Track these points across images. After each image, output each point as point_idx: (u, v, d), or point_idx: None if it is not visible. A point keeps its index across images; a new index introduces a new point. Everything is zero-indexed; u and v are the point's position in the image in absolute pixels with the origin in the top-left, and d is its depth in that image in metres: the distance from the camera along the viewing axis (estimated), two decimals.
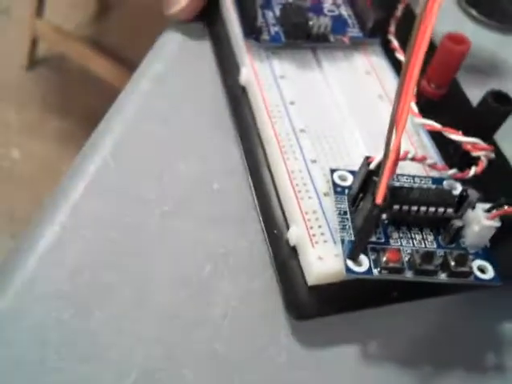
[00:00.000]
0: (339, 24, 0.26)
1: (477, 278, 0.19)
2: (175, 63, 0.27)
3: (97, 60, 0.89)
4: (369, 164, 0.19)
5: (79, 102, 0.94)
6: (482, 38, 0.31)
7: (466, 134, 0.23)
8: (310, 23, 0.25)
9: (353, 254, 0.17)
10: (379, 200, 0.16)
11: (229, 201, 0.22)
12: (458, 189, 0.21)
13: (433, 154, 0.23)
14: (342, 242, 0.19)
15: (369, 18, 0.26)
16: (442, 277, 0.19)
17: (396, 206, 0.19)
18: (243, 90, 0.25)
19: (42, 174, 0.85)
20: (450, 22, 0.29)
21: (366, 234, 0.16)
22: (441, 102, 0.26)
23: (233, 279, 0.21)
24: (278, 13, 0.26)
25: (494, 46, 0.31)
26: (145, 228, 0.22)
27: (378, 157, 0.19)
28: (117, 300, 0.20)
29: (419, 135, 0.23)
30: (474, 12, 0.32)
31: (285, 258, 0.20)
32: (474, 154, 0.23)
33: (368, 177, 0.19)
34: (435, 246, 0.19)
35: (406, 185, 0.21)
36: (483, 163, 0.23)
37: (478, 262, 0.19)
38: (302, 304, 0.19)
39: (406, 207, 0.19)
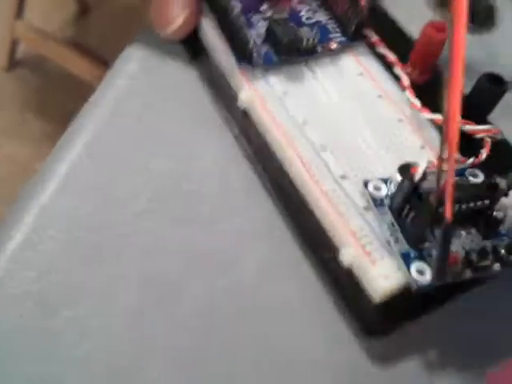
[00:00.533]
0: (322, 32, 0.26)
1: None
2: (150, 62, 0.27)
3: (76, 61, 0.88)
4: (412, 176, 0.20)
5: (59, 103, 0.92)
6: None
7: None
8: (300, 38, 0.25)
9: (439, 277, 0.17)
10: (449, 216, 0.17)
11: (202, 202, 0.23)
12: (480, 177, 0.23)
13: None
14: (402, 255, 0.20)
15: (351, 23, 0.26)
16: (496, 268, 0.20)
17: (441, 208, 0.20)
18: (244, 113, 0.25)
19: (21, 174, 0.84)
20: (420, 23, 0.31)
21: (445, 251, 0.17)
22: (425, 86, 0.27)
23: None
24: (260, 30, 0.26)
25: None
26: (116, 227, 0.22)
27: (420, 167, 0.20)
28: (85, 300, 0.20)
29: (425, 129, 0.24)
30: (443, 12, 0.33)
31: (342, 280, 0.21)
32: (478, 136, 0.24)
33: (413, 189, 0.20)
34: (480, 239, 0.21)
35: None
36: (489, 145, 0.24)
37: None
38: (375, 321, 0.20)
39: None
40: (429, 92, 0.26)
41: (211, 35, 0.26)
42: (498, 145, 0.25)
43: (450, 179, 0.17)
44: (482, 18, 0.33)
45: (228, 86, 0.26)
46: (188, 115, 0.26)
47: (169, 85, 0.26)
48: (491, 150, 0.24)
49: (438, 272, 0.17)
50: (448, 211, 0.17)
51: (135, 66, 0.27)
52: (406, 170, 0.21)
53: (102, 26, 1.04)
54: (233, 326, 0.21)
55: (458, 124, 0.17)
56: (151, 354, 0.19)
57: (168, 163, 0.24)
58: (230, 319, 0.21)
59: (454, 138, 0.17)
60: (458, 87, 0.17)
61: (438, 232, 0.20)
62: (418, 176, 0.20)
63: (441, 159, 0.17)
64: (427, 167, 0.20)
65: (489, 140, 0.24)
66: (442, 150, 0.17)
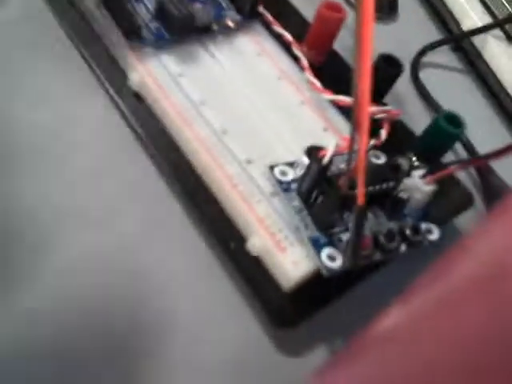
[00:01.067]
0: (216, 9, 0.25)
1: (429, 241, 0.20)
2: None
3: None
4: (320, 159, 0.19)
5: None
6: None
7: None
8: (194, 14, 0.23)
9: (352, 262, 0.17)
10: (362, 200, 0.17)
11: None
12: (382, 158, 0.22)
13: (346, 125, 0.24)
14: (312, 241, 0.19)
15: (247, 1, 0.25)
16: (403, 249, 0.20)
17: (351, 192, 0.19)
18: (135, 95, 0.23)
19: None
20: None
21: (359, 235, 0.17)
22: (321, 68, 0.26)
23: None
24: (150, 6, 0.24)
25: None
26: None
27: (329, 151, 0.19)
28: None
29: (326, 110, 0.24)
30: None
31: (250, 270, 0.20)
32: (376, 117, 0.24)
33: (321, 173, 0.19)
34: (386, 220, 0.21)
35: (340, 166, 0.21)
36: (388, 126, 0.24)
37: (424, 226, 0.21)
38: (285, 311, 0.19)
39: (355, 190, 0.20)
40: (326, 73, 0.25)
41: (93, 11, 0.24)
42: (395, 125, 0.25)
43: (361, 163, 0.17)
44: (386, 7, 0.34)
45: (114, 62, 0.24)
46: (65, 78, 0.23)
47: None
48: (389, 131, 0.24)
49: (352, 257, 0.17)
50: (361, 195, 0.17)
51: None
52: (312, 153, 0.20)
53: None
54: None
55: (369, 106, 0.16)
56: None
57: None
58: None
59: (366, 120, 0.16)
60: (367, 69, 0.16)
61: (348, 216, 0.20)
62: (326, 159, 0.19)
63: (352, 142, 0.17)
64: (335, 150, 0.19)
65: (387, 121, 0.24)
66: (352, 133, 0.17)
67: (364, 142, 0.17)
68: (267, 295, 0.20)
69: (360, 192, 0.16)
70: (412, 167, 0.21)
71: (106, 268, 0.20)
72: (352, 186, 0.19)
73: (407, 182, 0.21)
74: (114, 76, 0.23)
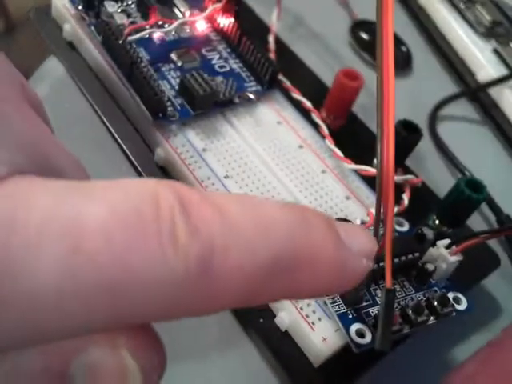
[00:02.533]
0: (237, 81, 0.26)
1: (457, 311, 0.20)
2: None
3: None
4: None
5: None
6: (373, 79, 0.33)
7: None
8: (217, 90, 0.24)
9: (384, 345, 0.17)
10: (389, 283, 0.17)
11: None
12: (405, 225, 0.23)
13: (369, 194, 0.24)
14: (340, 317, 0.19)
15: (265, 72, 0.26)
16: (432, 322, 0.20)
17: (382, 264, 0.20)
18: (162, 169, 0.24)
19: None
20: (343, 64, 0.31)
21: (389, 318, 0.17)
22: (341, 131, 0.27)
23: None
24: (172, 81, 0.25)
25: None
26: None
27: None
28: None
29: (348, 178, 0.24)
30: (365, 55, 0.34)
31: (279, 343, 0.20)
32: (398, 181, 0.24)
33: None
34: (413, 291, 0.21)
35: None
36: (409, 190, 0.24)
37: (451, 295, 0.21)
38: None
39: (382, 263, 0.20)
40: (346, 137, 0.26)
41: (118, 88, 0.25)
42: (416, 186, 0.25)
43: (388, 242, 0.17)
44: (400, 63, 0.34)
45: (141, 140, 0.24)
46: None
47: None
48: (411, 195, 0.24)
49: (383, 341, 0.17)
50: (388, 278, 0.17)
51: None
52: None
53: (28, 44, 0.98)
54: None
55: (394, 179, 0.17)
56: None
57: None
58: None
59: (391, 197, 0.17)
60: (391, 139, 0.16)
61: (375, 289, 0.20)
62: None
63: (377, 216, 0.17)
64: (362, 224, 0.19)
65: (408, 186, 0.24)
66: (377, 206, 0.17)
67: (390, 218, 0.17)
68: (296, 370, 0.20)
69: (388, 275, 0.17)
70: (437, 236, 0.21)
71: None
72: (379, 260, 0.19)
73: (433, 252, 0.21)
74: (140, 153, 0.24)
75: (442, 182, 0.28)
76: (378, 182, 0.16)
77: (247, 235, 0.12)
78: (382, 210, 0.17)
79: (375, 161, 0.25)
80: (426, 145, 0.31)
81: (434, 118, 0.32)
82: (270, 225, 0.12)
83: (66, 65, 0.27)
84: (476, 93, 0.34)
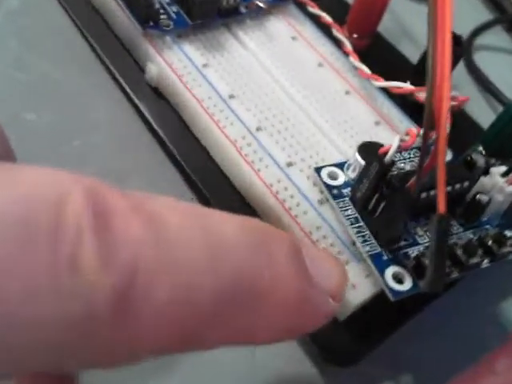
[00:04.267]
0: None
1: None
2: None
3: None
4: (382, 158, 0.15)
5: None
6: (399, 6, 0.28)
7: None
8: None
9: (435, 284, 0.13)
10: (443, 209, 0.13)
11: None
12: (448, 154, 0.19)
13: (402, 117, 0.20)
14: (373, 259, 0.16)
15: None
16: (486, 264, 0.16)
17: (423, 195, 0.16)
18: (153, 90, 0.20)
19: None
20: None
21: (442, 253, 0.13)
22: (366, 53, 0.23)
23: None
24: None
25: (410, 13, 0.29)
26: None
27: (392, 147, 0.15)
28: None
29: (377, 100, 0.20)
30: None
31: None
32: None
33: (382, 174, 0.16)
34: (461, 230, 0.17)
35: (402, 165, 0.18)
36: (451, 115, 0.20)
37: (509, 233, 0.17)
38: (341, 345, 0.16)
39: (424, 194, 0.16)
40: (371, 58, 0.22)
41: None
42: (456, 116, 0.21)
43: (441, 159, 0.13)
44: None
45: (129, 57, 0.20)
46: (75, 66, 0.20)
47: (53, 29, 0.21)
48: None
49: (435, 277, 0.13)
50: (441, 200, 0.13)
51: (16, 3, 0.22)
52: (368, 150, 0.17)
53: None
54: None
55: (450, 92, 0.13)
56: None
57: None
58: None
59: (445, 112, 0.13)
60: (447, 45, 0.13)
61: (416, 227, 0.16)
62: (389, 157, 0.15)
63: (426, 135, 0.13)
64: (400, 145, 0.16)
65: (450, 110, 0.20)
66: (426, 127, 0.13)
67: (443, 137, 0.13)
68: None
69: (441, 198, 0.13)
70: (489, 163, 0.17)
71: None
72: (423, 189, 0.15)
73: (485, 181, 0.17)
74: (128, 70, 0.20)
75: (480, 112, 0.24)
76: (429, 88, 0.13)
77: (189, 263, 0.09)
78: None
79: (408, 84, 0.21)
80: (460, 74, 0.27)
81: (469, 45, 0.28)
82: (221, 249, 0.09)
83: None
84: None
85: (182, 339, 0.09)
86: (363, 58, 0.21)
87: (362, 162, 0.16)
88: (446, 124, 0.13)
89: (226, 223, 0.10)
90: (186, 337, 0.09)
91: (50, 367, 0.08)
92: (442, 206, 0.13)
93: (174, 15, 0.20)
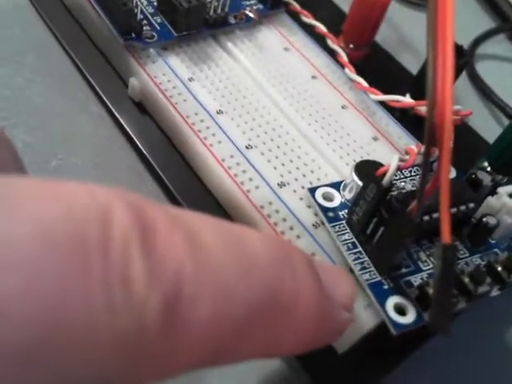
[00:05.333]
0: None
1: None
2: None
3: None
4: (380, 179, 0.14)
5: None
6: (396, 13, 0.27)
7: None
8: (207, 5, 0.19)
9: (442, 324, 0.12)
10: (448, 239, 0.12)
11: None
12: (452, 172, 0.18)
13: (401, 133, 0.19)
14: (372, 288, 0.14)
15: None
16: (495, 292, 0.15)
17: (426, 218, 0.14)
18: (136, 105, 0.19)
19: None
20: None
21: (450, 286, 0.12)
22: (362, 64, 0.22)
23: None
24: None
25: (408, 20, 0.28)
26: None
27: (391, 167, 0.14)
28: None
29: (375, 115, 0.19)
30: None
31: None
32: None
33: (381, 196, 0.14)
34: (467, 254, 0.16)
35: (403, 183, 0.16)
36: (453, 130, 0.19)
37: None
38: (340, 380, 0.15)
39: (427, 217, 0.15)
40: (368, 69, 0.21)
41: (82, 5, 0.19)
42: (459, 130, 0.20)
43: (445, 182, 0.12)
44: None
45: (112, 70, 0.19)
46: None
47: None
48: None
49: (441, 316, 0.12)
50: (446, 230, 0.12)
51: None
52: (365, 169, 0.16)
53: None
54: None
55: (452, 107, 0.12)
56: None
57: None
58: None
59: (448, 129, 0.12)
60: (449, 58, 0.12)
61: (418, 251, 0.15)
62: (387, 179, 0.14)
63: (426, 154, 0.12)
64: (399, 166, 0.14)
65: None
66: (427, 146, 0.12)
67: (446, 156, 0.12)
68: (314, 359, 0.15)
69: (445, 227, 0.12)
70: (496, 183, 0.16)
71: None
72: (425, 212, 0.14)
73: (493, 202, 0.16)
74: (110, 84, 0.19)
75: (484, 125, 0.23)
76: (430, 104, 0.12)
77: (226, 278, 0.09)
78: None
79: (407, 96, 0.20)
80: (463, 85, 0.25)
81: (471, 55, 0.27)
82: (254, 265, 0.10)
83: None
84: None
85: (219, 351, 0.09)
86: (360, 70, 0.20)
87: (359, 183, 0.15)
88: (450, 143, 0.12)
89: (254, 238, 0.10)
90: (222, 349, 0.09)
91: None
92: (446, 236, 0.12)
93: (157, 26, 0.19)
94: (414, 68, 0.21)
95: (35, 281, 0.07)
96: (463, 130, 0.20)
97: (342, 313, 0.12)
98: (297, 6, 0.22)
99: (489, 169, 0.19)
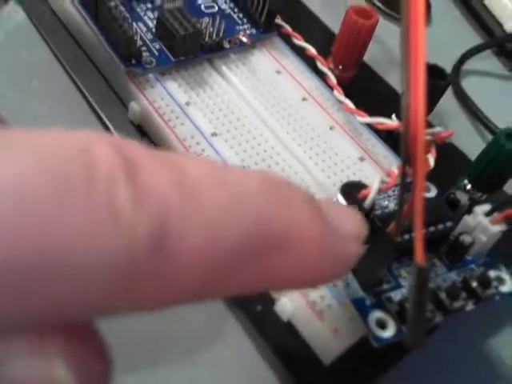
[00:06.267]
0: (227, 23, 0.22)
1: (501, 294, 0.16)
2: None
3: None
4: (361, 201, 0.15)
5: None
6: (385, 30, 0.28)
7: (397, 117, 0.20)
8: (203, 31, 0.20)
9: (416, 340, 0.13)
10: (421, 259, 0.13)
11: None
12: (432, 190, 0.19)
13: (386, 153, 0.20)
14: (356, 303, 0.15)
15: (261, 11, 0.22)
16: (470, 306, 0.16)
17: (406, 236, 0.16)
18: (136, 128, 0.20)
19: None
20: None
21: (424, 306, 0.13)
22: (351, 85, 0.23)
23: None
24: (148, 23, 0.21)
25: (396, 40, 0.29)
26: None
27: (372, 190, 0.15)
28: None
29: (362, 135, 0.20)
30: (378, 3, 0.29)
31: (280, 338, 0.16)
32: None
33: (364, 216, 0.15)
34: (444, 270, 0.17)
35: (386, 203, 0.18)
36: (435, 149, 0.20)
37: (492, 274, 0.17)
38: None
39: (407, 236, 0.16)
40: (356, 90, 0.22)
41: (85, 32, 0.20)
42: (442, 147, 0.21)
43: (418, 205, 0.13)
44: None
45: (112, 94, 0.20)
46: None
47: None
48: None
49: (415, 333, 0.13)
50: (420, 251, 0.13)
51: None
52: (350, 191, 0.17)
53: None
54: None
55: (425, 129, 0.13)
56: None
57: None
58: None
59: (421, 149, 0.13)
60: (420, 82, 0.13)
61: (398, 268, 0.16)
62: (369, 201, 0.15)
63: (402, 176, 0.13)
64: (380, 188, 0.15)
65: (433, 143, 0.20)
66: (403, 165, 0.13)
67: (421, 176, 0.13)
68: (301, 370, 0.16)
69: (419, 248, 0.13)
70: (473, 202, 0.17)
71: None
72: (405, 231, 0.15)
73: (469, 220, 0.17)
74: (111, 107, 0.20)
75: (469, 142, 0.24)
76: (405, 127, 0.12)
77: (212, 207, 0.09)
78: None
79: (393, 117, 0.21)
80: (448, 101, 0.26)
81: (457, 72, 0.28)
82: (241, 195, 0.10)
83: (27, 8, 0.23)
84: (504, 45, 0.30)
85: (209, 282, 0.09)
86: (348, 91, 0.21)
87: (344, 203, 0.16)
88: (423, 163, 0.13)
89: (242, 172, 0.10)
90: (213, 280, 0.09)
91: (86, 314, 0.09)
92: (419, 256, 0.13)
93: (156, 52, 0.20)
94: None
95: (27, 205, 0.08)
96: (447, 149, 0.21)
97: (348, 245, 0.12)
98: (288, 29, 0.23)
99: (469, 186, 0.20)
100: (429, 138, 0.20)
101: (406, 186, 0.13)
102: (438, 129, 0.19)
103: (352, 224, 0.12)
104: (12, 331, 0.08)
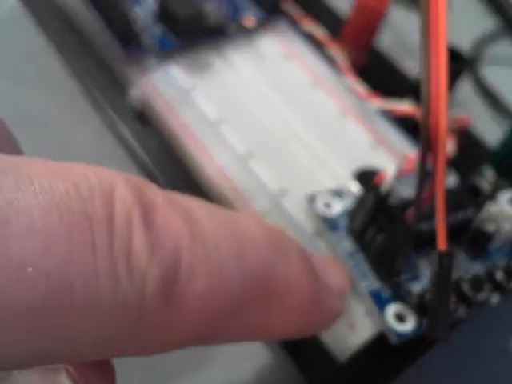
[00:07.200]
0: (232, 6, 0.21)
1: None
2: None
3: None
4: (378, 187, 0.14)
5: None
6: (397, 18, 0.27)
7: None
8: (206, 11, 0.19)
9: (440, 331, 0.12)
10: (443, 245, 0.12)
11: None
12: (451, 178, 0.18)
13: (402, 140, 0.19)
14: (373, 295, 0.14)
15: None
16: (495, 300, 0.15)
17: (425, 224, 0.15)
18: (138, 115, 0.19)
19: None
20: None
21: (447, 294, 0.12)
22: (361, 71, 0.21)
23: None
24: (150, 6, 0.20)
25: (409, 25, 0.28)
26: None
27: (389, 175, 0.14)
28: None
29: (375, 122, 0.19)
30: None
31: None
32: None
33: (379, 203, 0.14)
34: (467, 261, 0.16)
35: (403, 191, 0.16)
36: (455, 136, 0.19)
37: None
38: None
39: (426, 224, 0.15)
40: (367, 76, 0.21)
41: (81, 16, 0.20)
42: (461, 136, 0.20)
43: (440, 189, 0.12)
44: None
45: (112, 81, 0.19)
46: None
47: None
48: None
49: (439, 324, 0.12)
50: (442, 237, 0.12)
51: None
52: (366, 177, 0.16)
53: None
54: None
55: (447, 114, 0.12)
56: None
57: None
58: None
59: (443, 133, 0.12)
60: (442, 65, 0.12)
61: (417, 258, 0.15)
62: (386, 186, 0.14)
63: (422, 161, 0.12)
64: (397, 174, 0.14)
65: (454, 131, 0.19)
66: (423, 152, 0.12)
67: (442, 161, 0.12)
68: (315, 368, 0.15)
69: (441, 234, 0.12)
70: (496, 189, 0.16)
71: None
72: (423, 218, 0.14)
73: (492, 208, 0.16)
74: (110, 93, 0.19)
75: (490, 130, 0.22)
76: (425, 113, 0.12)
77: (220, 255, 0.10)
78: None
79: (408, 102, 0.20)
80: (465, 88, 0.25)
81: (475, 58, 0.27)
82: (248, 244, 0.10)
83: None
84: None
85: (213, 327, 0.10)
86: (360, 75, 0.20)
87: (359, 191, 0.15)
88: (445, 145, 0.12)
89: (248, 221, 0.11)
90: (216, 325, 0.10)
91: (96, 355, 0.09)
92: (442, 243, 0.12)
93: (158, 36, 0.19)
94: (415, 72, 0.21)
95: (49, 247, 0.08)
96: (467, 137, 0.20)
97: (335, 301, 0.12)
98: (296, 13, 0.22)
99: (491, 173, 0.19)
100: (449, 123, 0.19)
101: (425, 173, 0.12)
102: (457, 111, 0.18)
103: (338, 279, 0.13)
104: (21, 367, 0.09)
